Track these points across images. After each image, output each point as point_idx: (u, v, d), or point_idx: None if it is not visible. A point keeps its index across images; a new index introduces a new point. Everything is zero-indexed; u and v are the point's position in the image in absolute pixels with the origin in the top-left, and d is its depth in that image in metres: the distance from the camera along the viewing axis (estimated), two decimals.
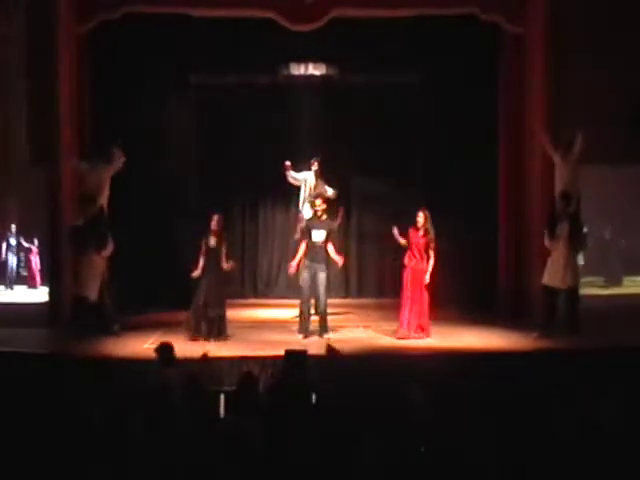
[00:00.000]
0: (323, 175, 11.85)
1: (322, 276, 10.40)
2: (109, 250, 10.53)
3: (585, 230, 10.85)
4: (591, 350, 9.29)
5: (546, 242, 10.43)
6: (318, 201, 10.55)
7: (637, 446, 4.74)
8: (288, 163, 11.76)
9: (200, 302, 10.14)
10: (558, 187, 10.59)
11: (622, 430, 4.94)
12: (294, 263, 10.57)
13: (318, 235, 10.38)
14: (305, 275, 10.46)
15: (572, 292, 10.41)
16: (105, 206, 10.72)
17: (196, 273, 10.15)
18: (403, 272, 10.43)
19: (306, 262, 10.43)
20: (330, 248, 10.48)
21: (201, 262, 10.18)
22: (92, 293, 10.40)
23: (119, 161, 10.85)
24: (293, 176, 11.90)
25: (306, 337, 10.29)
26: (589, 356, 8.90)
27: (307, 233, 10.48)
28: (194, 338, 10.05)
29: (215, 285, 10.20)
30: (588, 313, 10.51)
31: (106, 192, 10.80)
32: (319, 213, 10.49)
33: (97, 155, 10.98)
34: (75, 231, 10.56)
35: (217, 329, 10.15)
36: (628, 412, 5.22)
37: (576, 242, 10.31)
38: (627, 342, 9.66)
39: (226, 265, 10.18)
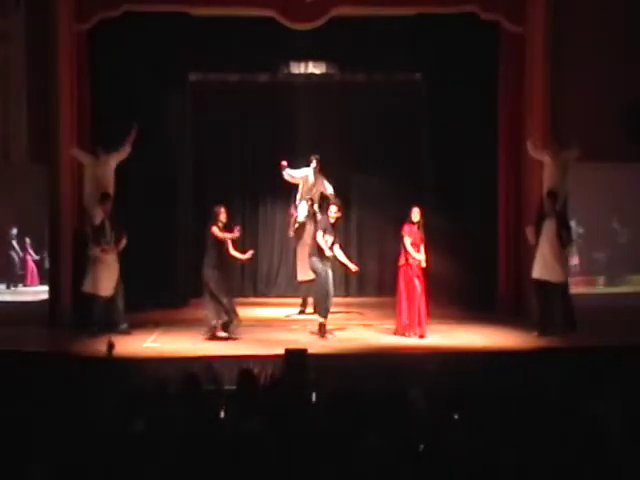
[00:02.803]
0: (322, 172, 11.88)
1: (331, 274, 10.57)
2: (124, 242, 10.63)
3: (572, 226, 11.03)
4: (591, 349, 9.31)
5: (530, 238, 10.62)
6: (333, 207, 10.51)
7: (637, 445, 4.74)
8: (284, 162, 11.82)
9: (224, 299, 10.11)
10: (546, 185, 10.69)
11: (622, 429, 4.94)
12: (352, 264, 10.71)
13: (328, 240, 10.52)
14: (323, 269, 10.50)
15: (563, 287, 10.50)
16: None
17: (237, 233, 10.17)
18: (404, 269, 10.44)
19: (321, 260, 10.49)
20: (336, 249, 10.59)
21: (213, 252, 10.10)
22: (107, 291, 10.52)
23: (125, 150, 10.89)
24: (290, 174, 11.94)
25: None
26: (589, 355, 8.91)
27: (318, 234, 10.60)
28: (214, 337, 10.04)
29: (224, 275, 10.23)
30: (588, 311, 10.53)
31: (113, 183, 10.87)
32: (333, 221, 10.50)
33: (99, 146, 10.98)
34: (97, 230, 10.57)
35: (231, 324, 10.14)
36: (627, 411, 5.23)
37: (564, 238, 10.39)
38: (626, 341, 9.68)
39: (246, 255, 10.48)
